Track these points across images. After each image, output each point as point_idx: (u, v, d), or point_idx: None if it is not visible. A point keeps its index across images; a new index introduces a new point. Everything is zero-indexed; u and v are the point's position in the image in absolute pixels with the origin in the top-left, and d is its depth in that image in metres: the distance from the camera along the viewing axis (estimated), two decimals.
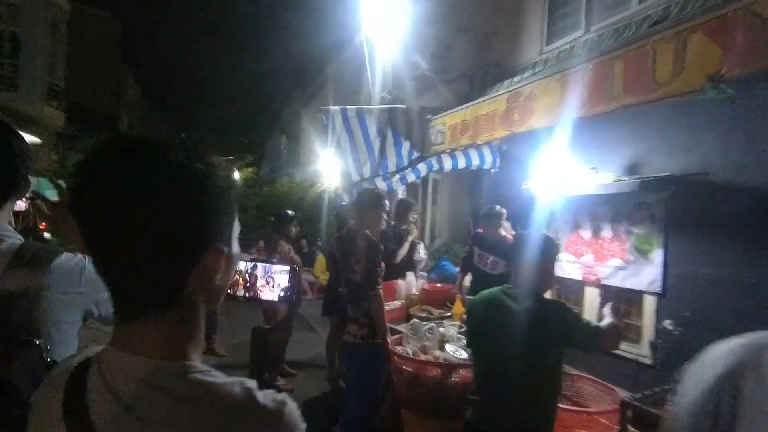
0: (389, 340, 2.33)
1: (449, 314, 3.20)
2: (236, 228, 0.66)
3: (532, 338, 1.79)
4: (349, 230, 2.86)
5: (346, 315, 2.76)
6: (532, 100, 3.53)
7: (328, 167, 9.11)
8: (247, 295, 1.15)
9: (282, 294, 1.15)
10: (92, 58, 28.73)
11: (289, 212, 4.17)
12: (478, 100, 4.16)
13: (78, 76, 26.16)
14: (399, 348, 2.38)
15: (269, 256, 3.92)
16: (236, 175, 24.03)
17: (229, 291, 0.85)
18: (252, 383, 0.62)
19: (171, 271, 0.58)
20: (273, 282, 1.16)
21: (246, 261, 1.16)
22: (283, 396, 0.64)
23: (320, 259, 8.20)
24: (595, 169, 3.92)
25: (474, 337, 2.06)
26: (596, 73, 2.97)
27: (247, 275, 1.14)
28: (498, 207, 3.89)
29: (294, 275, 1.17)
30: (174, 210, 0.55)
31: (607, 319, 1.97)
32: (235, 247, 0.66)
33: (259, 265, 1.15)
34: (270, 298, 1.15)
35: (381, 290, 2.63)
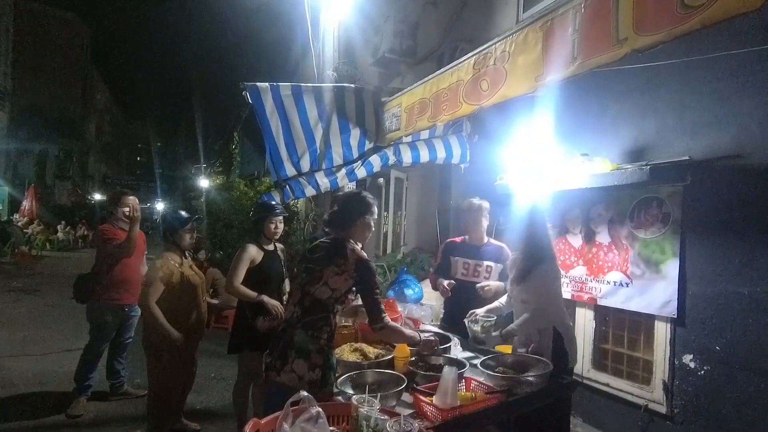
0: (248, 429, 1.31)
1: (390, 356, 2.22)
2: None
3: None
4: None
5: (275, 345, 1.93)
6: (504, 61, 2.64)
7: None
8: None
9: None
10: (53, 59, 27.35)
11: (183, 213, 3.07)
12: (438, 72, 3.24)
13: (34, 78, 24.79)
14: None
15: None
16: (206, 182, 22.78)
17: None
18: None
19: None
20: None
21: None
22: None
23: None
24: (587, 155, 3.04)
25: None
26: (593, 11, 2.11)
27: None
28: (477, 199, 2.99)
29: None
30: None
31: None
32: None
33: None
34: None
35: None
